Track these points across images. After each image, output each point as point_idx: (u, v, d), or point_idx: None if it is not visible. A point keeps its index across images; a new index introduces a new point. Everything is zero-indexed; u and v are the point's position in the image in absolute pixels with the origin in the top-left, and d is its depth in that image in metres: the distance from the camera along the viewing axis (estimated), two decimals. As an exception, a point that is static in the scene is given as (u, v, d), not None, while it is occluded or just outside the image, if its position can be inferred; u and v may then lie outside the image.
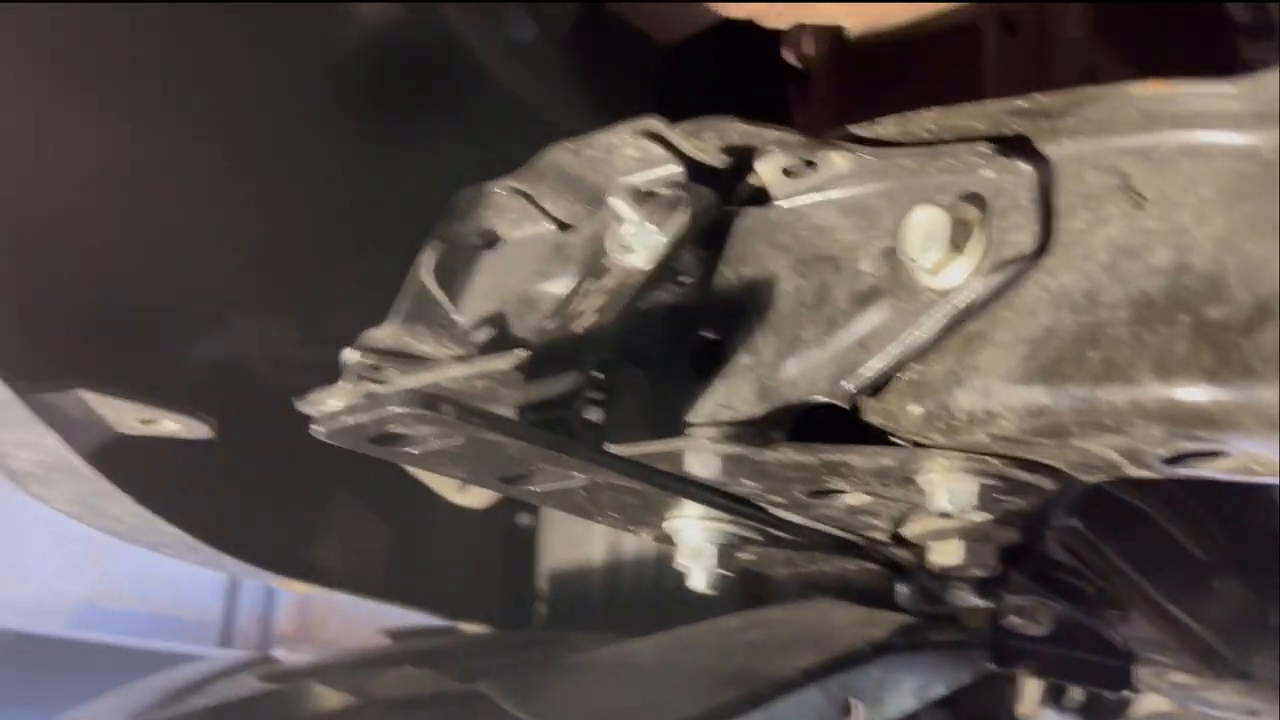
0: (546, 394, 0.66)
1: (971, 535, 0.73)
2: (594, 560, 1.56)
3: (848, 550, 0.82)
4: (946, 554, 0.75)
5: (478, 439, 0.63)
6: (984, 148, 0.59)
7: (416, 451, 0.66)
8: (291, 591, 3.21)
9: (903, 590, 0.84)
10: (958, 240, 0.59)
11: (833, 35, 0.94)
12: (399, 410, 0.58)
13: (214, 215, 1.01)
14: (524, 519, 1.56)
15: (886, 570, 0.84)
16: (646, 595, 1.52)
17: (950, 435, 0.61)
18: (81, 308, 0.91)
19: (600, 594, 1.55)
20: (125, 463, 0.94)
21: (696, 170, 0.75)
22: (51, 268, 0.89)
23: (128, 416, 0.88)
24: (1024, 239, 0.58)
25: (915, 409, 0.62)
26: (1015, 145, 0.59)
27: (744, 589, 1.29)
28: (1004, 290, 0.59)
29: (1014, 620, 0.88)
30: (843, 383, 0.63)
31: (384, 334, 0.83)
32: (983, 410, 0.58)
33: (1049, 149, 0.59)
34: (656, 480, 0.70)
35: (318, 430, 0.62)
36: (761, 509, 0.75)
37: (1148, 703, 1.39)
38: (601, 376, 0.69)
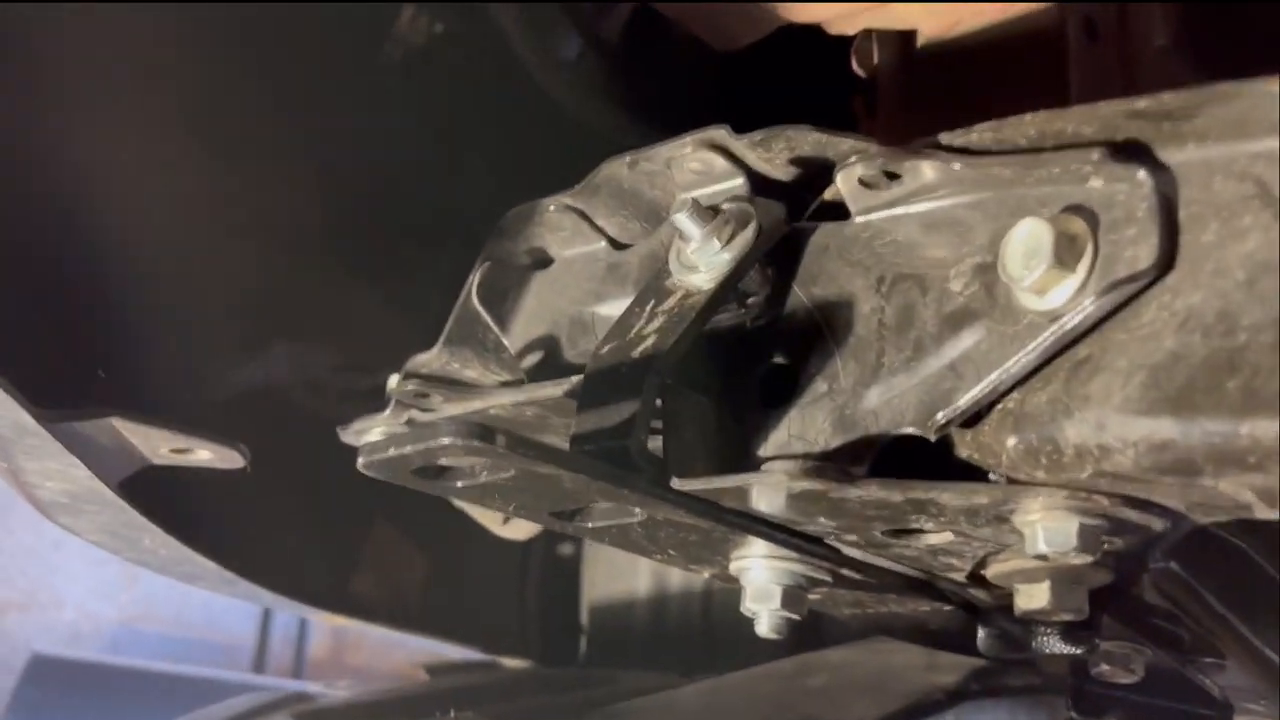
0: (601, 423, 0.61)
1: (1062, 577, 0.67)
2: (638, 593, 1.51)
3: (922, 590, 0.76)
4: (1033, 597, 0.68)
5: (531, 472, 0.59)
6: (1095, 154, 0.54)
7: (462, 485, 0.61)
8: (328, 623, 3.18)
9: (982, 634, 0.78)
10: (1063, 256, 0.53)
11: (901, 42, 0.89)
12: (449, 441, 0.54)
13: (248, 238, 0.98)
14: (566, 549, 1.51)
15: (961, 611, 0.79)
16: (693, 630, 1.47)
17: (1054, 471, 0.56)
18: (108, 333, 0.88)
19: (645, 628, 1.49)
20: (156, 493, 0.90)
21: (762, 184, 0.70)
22: (79, 292, 0.86)
23: (160, 445, 0.84)
24: (1142, 254, 0.52)
25: (1014, 442, 0.56)
26: (1129, 151, 0.54)
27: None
28: (1118, 311, 0.53)
29: (1103, 668, 0.81)
30: (934, 414, 0.58)
31: (429, 359, 0.79)
32: (1095, 444, 0.53)
33: (1169, 155, 0.53)
34: (723, 518, 0.65)
35: (360, 462, 0.58)
36: (834, 548, 0.70)
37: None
38: (661, 405, 0.65)
